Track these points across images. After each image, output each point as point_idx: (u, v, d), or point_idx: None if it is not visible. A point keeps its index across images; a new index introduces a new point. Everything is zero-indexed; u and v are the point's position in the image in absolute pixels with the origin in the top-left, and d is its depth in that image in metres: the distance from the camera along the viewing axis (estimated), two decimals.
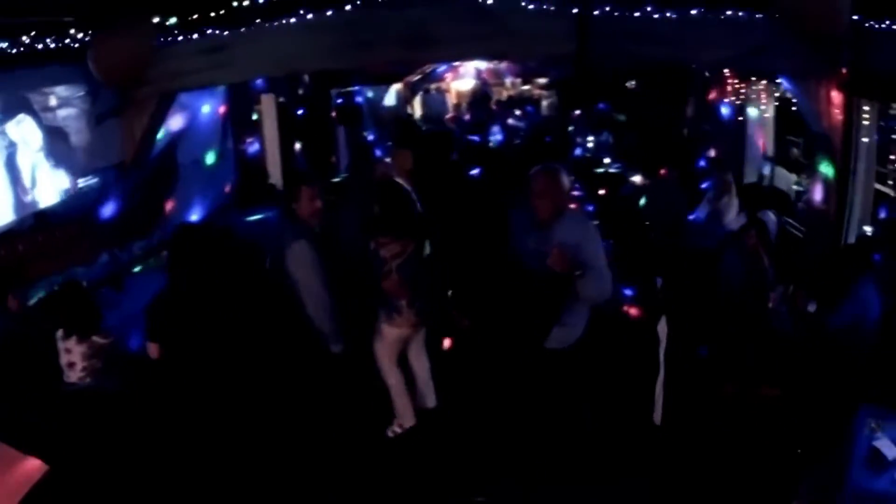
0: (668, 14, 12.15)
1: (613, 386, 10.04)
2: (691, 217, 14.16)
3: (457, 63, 25.17)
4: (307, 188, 9.02)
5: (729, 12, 12.11)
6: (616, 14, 12.18)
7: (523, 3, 12.22)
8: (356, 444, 9.41)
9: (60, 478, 6.71)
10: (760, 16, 12.06)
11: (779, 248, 12.45)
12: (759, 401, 9.42)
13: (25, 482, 6.44)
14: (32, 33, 10.69)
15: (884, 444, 6.90)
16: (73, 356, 8.98)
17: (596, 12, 11.94)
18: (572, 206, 8.40)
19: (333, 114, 21.38)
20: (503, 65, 26.00)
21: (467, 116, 25.82)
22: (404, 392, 9.44)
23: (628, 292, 11.97)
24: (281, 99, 18.58)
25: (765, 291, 10.41)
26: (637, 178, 16.52)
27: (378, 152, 17.97)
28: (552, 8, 12.17)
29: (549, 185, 7.90)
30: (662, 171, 15.09)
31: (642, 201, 15.67)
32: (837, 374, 8.85)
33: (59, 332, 9.07)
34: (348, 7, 12.47)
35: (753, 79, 16.57)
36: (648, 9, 12.15)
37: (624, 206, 15.60)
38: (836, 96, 12.63)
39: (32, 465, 6.60)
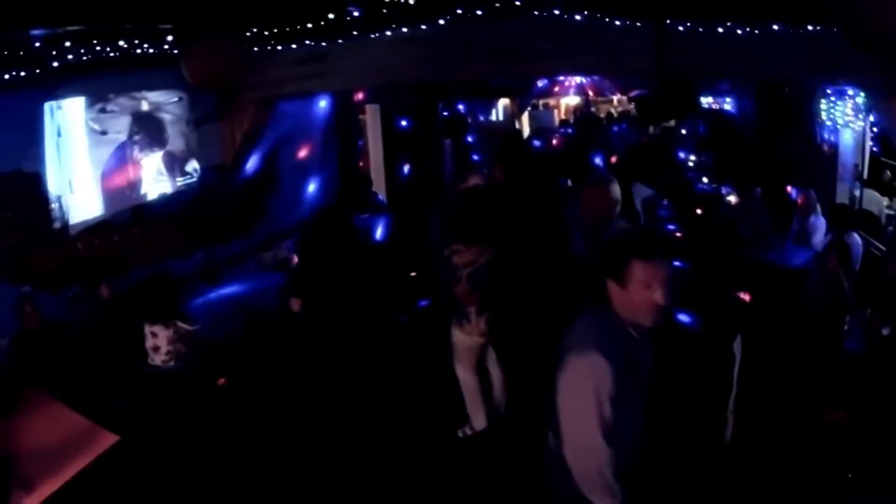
0: (747, 29, 12.13)
1: (687, 402, 9.93)
2: (778, 236, 14.02)
3: (562, 78, 25.25)
4: None
5: (809, 27, 11.97)
6: (698, 29, 12.20)
7: (608, 19, 12.28)
8: (427, 437, 9.67)
9: (131, 451, 7.06)
10: (837, 31, 11.86)
11: (863, 271, 12.36)
12: (825, 423, 9.31)
13: (95, 449, 6.76)
14: (132, 40, 11.09)
15: None
16: (158, 340, 9.65)
17: (678, 27, 11.96)
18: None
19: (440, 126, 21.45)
20: (607, 81, 25.91)
21: (569, 131, 25.78)
22: (477, 397, 9.47)
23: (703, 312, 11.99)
24: (385, 109, 18.77)
25: (842, 313, 10.31)
26: (733, 199, 16.41)
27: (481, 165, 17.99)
28: (637, 24, 12.23)
29: (597, 194, 8.03)
30: (751, 190, 14.99)
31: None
32: None
33: (146, 319, 9.44)
34: (441, 21, 12.66)
35: (845, 98, 16.38)
36: (728, 24, 12.13)
37: (717, 225, 15.45)
38: None
39: (106, 436, 6.90)
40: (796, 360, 9.83)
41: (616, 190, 8.06)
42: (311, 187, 16.48)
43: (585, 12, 12.63)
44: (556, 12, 12.74)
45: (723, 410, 9.26)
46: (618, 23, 12.51)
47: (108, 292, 10.66)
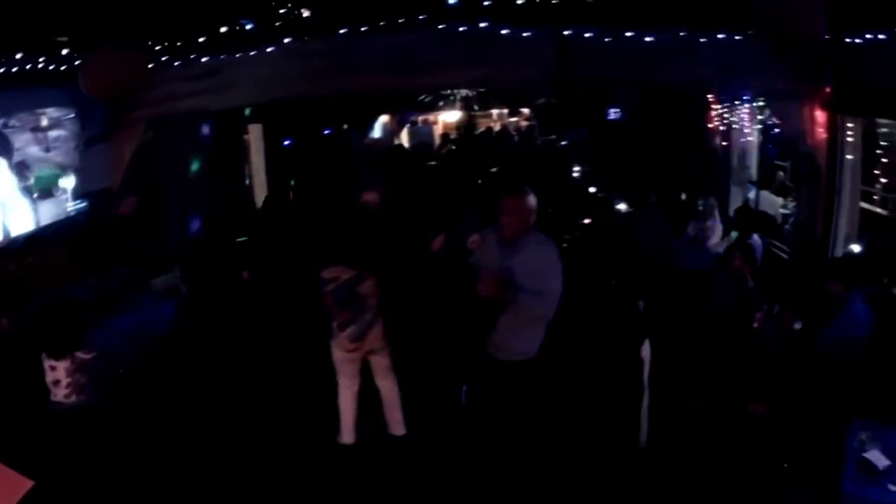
0: (644, 37, 12.07)
1: (597, 409, 9.90)
2: (675, 240, 14.04)
3: (444, 93, 25.13)
4: None
5: (714, 35, 11.99)
6: (601, 37, 12.09)
7: (504, 31, 12.10)
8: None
9: (46, 494, 6.60)
10: (740, 37, 12.05)
11: (765, 270, 12.41)
12: (747, 418, 9.38)
13: (11, 496, 6.32)
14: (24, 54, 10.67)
15: (874, 456, 7.12)
16: (57, 373, 8.94)
17: (573, 35, 11.85)
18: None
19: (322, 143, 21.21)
20: (489, 95, 25.91)
21: (453, 147, 25.73)
22: (348, 410, 9.63)
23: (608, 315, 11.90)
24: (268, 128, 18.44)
25: (750, 312, 10.32)
26: (622, 206, 16.42)
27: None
28: (532, 34, 12.07)
29: (516, 206, 7.97)
30: (646, 197, 15.01)
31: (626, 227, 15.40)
32: (827, 389, 8.91)
33: (44, 352, 8.96)
34: (333, 34, 12.36)
35: (737, 103, 16.51)
36: (626, 32, 12.05)
37: (609, 232, 15.45)
38: (820, 115, 12.71)
39: (18, 481, 6.45)
40: (710, 358, 9.92)
41: (532, 200, 8.02)
42: (197, 210, 15.92)
43: (482, 23, 12.29)
44: (453, 23, 12.44)
45: (636, 415, 9.51)
46: (514, 32, 12.25)
47: (5, 325, 10.04)
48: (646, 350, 9.55)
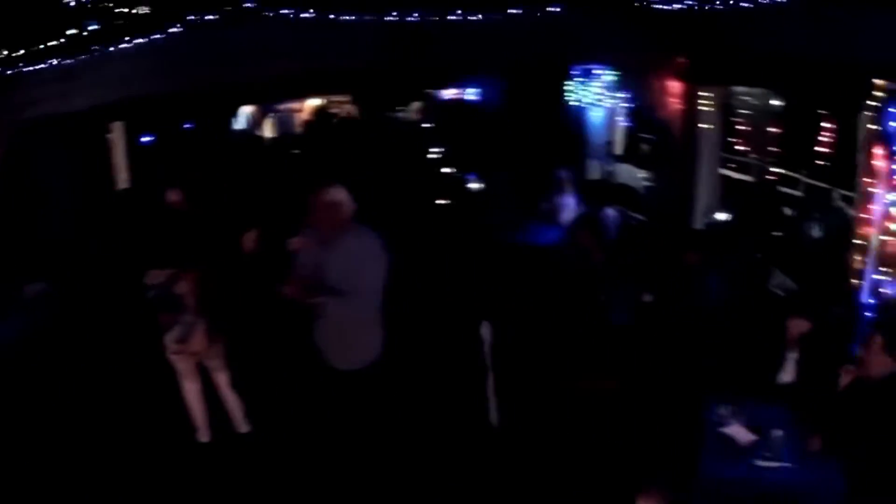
0: (479, 17, 11.65)
1: (446, 392, 9.92)
2: (528, 218, 13.70)
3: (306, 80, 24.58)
4: None
5: (551, 9, 11.59)
6: (429, 20, 11.66)
7: (334, 17, 11.62)
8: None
9: None
10: (583, 11, 11.64)
11: (622, 242, 12.23)
12: (596, 394, 9.06)
13: None
14: None
15: (735, 431, 6.99)
16: None
17: (408, 19, 11.43)
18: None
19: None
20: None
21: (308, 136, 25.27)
22: (196, 410, 9.18)
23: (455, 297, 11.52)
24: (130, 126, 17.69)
25: (597, 285, 9.99)
26: (476, 185, 16.05)
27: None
28: (360, 19, 11.61)
29: (321, 203, 7.48)
30: (497, 175, 14.70)
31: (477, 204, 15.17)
32: (680, 363, 8.88)
33: None
34: (176, 29, 11.81)
35: (594, 77, 16.23)
36: (460, 12, 11.62)
37: (462, 212, 15.15)
38: (675, 86, 12.53)
39: None
40: (557, 335, 9.41)
41: (339, 195, 7.50)
42: (64, 213, 15.17)
43: (312, 11, 11.80)
44: (287, 12, 11.94)
45: (482, 395, 9.35)
46: (347, 18, 11.76)
47: None
48: (485, 330, 9.31)
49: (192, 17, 12.03)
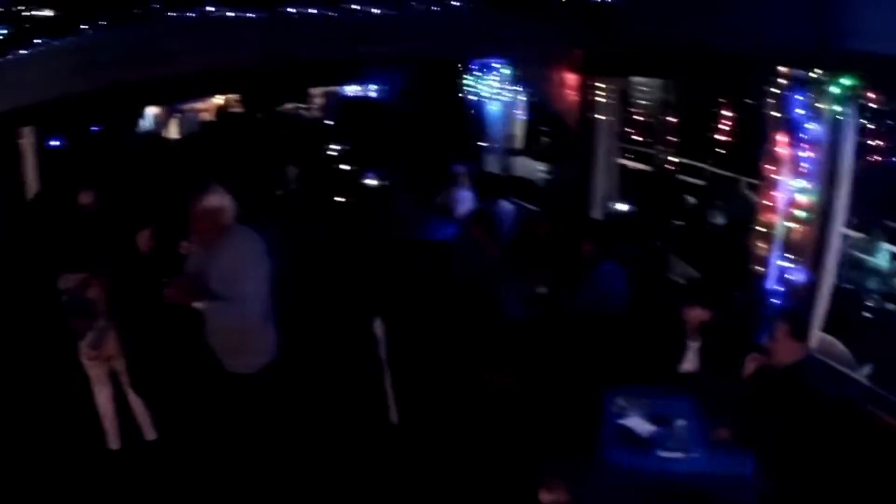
0: (378, 11, 11.51)
1: (344, 392, 9.60)
2: (424, 212, 13.58)
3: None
4: None
5: (450, 3, 11.52)
6: (325, 14, 11.49)
7: (230, 14, 11.42)
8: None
9: None
10: (480, 6, 11.56)
11: (520, 235, 12.09)
12: (492, 388, 9.09)
13: None
14: None
15: (635, 423, 6.79)
16: None
17: (296, 14, 11.26)
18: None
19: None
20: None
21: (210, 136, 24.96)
22: (107, 414, 8.81)
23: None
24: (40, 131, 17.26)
25: (492, 279, 9.92)
26: (373, 182, 15.89)
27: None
28: (246, 15, 11.42)
29: (203, 210, 7.11)
30: (393, 172, 14.56)
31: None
32: (577, 355, 8.75)
33: None
34: (81, 30, 11.58)
35: (491, 71, 16.16)
36: (354, 7, 11.49)
37: (358, 209, 15.00)
38: (572, 77, 12.37)
39: None
40: (451, 331, 9.46)
41: (215, 200, 7.14)
42: None
43: (210, 8, 11.62)
44: (184, 11, 11.74)
45: (381, 394, 9.13)
46: (234, 16, 11.55)
47: None
48: (378, 327, 9.11)
49: (99, 20, 11.85)
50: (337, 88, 24.17)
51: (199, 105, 28.10)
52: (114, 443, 8.86)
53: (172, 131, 26.85)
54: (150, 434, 9.05)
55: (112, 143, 20.78)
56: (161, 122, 26.40)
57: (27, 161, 16.73)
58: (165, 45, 11.82)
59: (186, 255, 7.70)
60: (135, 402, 8.97)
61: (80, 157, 17.78)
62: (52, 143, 17.68)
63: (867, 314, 9.80)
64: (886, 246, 10.56)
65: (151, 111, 25.60)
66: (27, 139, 16.57)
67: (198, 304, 7.10)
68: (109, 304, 8.44)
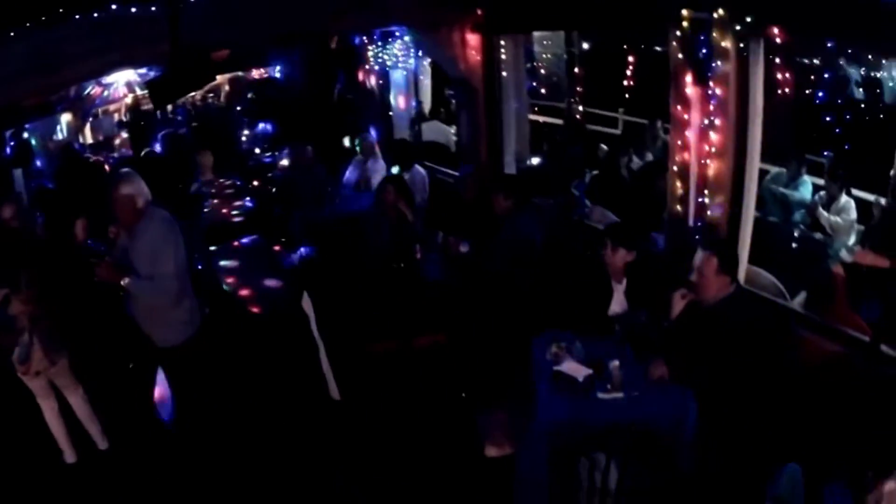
0: None
1: (281, 367, 9.73)
2: (336, 186, 13.52)
3: (110, 81, 23.81)
4: None
5: None
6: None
7: (133, 10, 11.15)
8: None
9: None
10: None
11: (435, 198, 12.36)
12: (424, 351, 9.18)
13: None
14: None
15: (570, 367, 6.74)
16: None
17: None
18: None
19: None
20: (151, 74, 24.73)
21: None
22: (57, 428, 8.68)
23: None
24: None
25: (410, 244, 9.91)
26: (286, 162, 15.74)
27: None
28: (147, 9, 11.19)
29: (119, 197, 7.59)
30: (302, 149, 14.39)
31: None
32: (504, 307, 8.88)
33: None
34: None
35: (390, 41, 16.03)
36: None
37: (273, 190, 14.93)
38: (473, 38, 12.24)
39: None
40: (375, 299, 9.45)
41: (127, 188, 7.60)
42: None
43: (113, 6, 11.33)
44: (89, 11, 11.43)
45: (317, 370, 9.16)
46: (133, 10, 11.29)
47: None
48: (307, 303, 9.13)
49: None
50: (241, 74, 23.94)
51: (112, 107, 27.67)
52: (70, 456, 8.69)
53: (87, 136, 26.40)
54: (101, 444, 8.85)
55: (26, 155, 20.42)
56: (75, 128, 25.94)
57: None
58: (70, 48, 11.57)
59: (113, 238, 8.06)
60: (82, 412, 8.76)
61: None
62: None
63: (794, 245, 9.94)
64: (808, 178, 10.70)
65: (64, 118, 25.14)
66: None
67: (124, 282, 7.43)
68: (33, 319, 8.23)
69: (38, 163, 19.70)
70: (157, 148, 19.00)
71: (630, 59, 11.38)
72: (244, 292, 10.72)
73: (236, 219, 13.85)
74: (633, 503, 6.49)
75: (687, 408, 6.33)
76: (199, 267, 7.98)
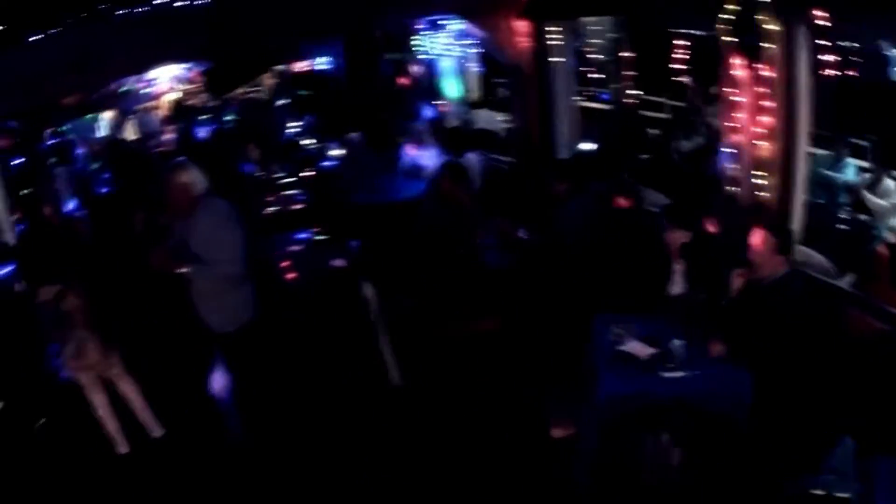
0: None
1: (344, 357, 9.78)
2: (387, 176, 13.73)
3: (152, 77, 24.10)
4: None
5: None
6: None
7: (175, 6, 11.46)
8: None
9: None
10: None
11: (489, 185, 12.36)
12: (485, 335, 9.38)
13: None
14: None
15: (633, 347, 7.00)
16: None
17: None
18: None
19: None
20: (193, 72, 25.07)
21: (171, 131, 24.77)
22: (108, 419, 8.87)
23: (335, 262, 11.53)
24: None
25: (468, 230, 10.11)
26: (336, 151, 15.96)
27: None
28: (187, 2, 11.44)
29: (176, 185, 7.79)
30: (350, 138, 14.63)
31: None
32: (564, 291, 9.02)
33: None
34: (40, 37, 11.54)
35: (436, 30, 16.22)
36: None
37: (325, 179, 15.12)
38: (521, 24, 12.39)
39: None
40: (436, 286, 9.72)
41: (184, 176, 7.79)
42: None
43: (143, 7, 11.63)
44: (131, 11, 11.71)
45: (378, 356, 9.36)
46: (176, 5, 11.57)
47: None
48: (368, 290, 9.42)
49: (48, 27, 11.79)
50: (284, 67, 24.19)
51: (152, 103, 27.90)
52: (122, 446, 8.88)
53: (130, 133, 26.63)
54: (156, 431, 9.08)
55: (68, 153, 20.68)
56: (117, 125, 26.19)
57: None
58: (112, 44, 11.82)
59: (169, 228, 8.11)
60: (135, 402, 9.02)
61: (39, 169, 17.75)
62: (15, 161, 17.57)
63: (840, 226, 10.20)
64: (852, 161, 10.91)
65: (106, 115, 25.38)
66: None
67: (181, 269, 7.61)
68: (87, 313, 8.52)
69: (80, 162, 19.91)
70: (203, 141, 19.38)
71: (675, 42, 11.51)
72: (301, 280, 10.99)
73: (289, 208, 13.97)
74: (693, 479, 6.67)
75: (744, 384, 6.50)
76: (257, 254, 8.16)
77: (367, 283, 9.48)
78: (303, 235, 11.48)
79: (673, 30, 12.39)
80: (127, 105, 24.42)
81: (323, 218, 12.80)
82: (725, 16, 8.28)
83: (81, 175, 17.65)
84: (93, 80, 13.08)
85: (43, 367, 8.95)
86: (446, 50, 16.14)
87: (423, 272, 9.97)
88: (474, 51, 16.36)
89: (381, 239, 11.11)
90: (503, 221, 10.38)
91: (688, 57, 12.13)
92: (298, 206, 13.36)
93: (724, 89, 8.57)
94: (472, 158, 12.63)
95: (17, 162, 17.02)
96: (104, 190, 15.18)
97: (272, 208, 13.41)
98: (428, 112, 16.09)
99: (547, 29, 12.41)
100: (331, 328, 10.23)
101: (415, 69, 17.79)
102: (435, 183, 10.61)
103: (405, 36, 17.49)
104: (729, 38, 8.31)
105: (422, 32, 16.83)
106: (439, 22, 15.55)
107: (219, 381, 8.35)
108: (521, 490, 7.41)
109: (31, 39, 11.75)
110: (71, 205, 10.60)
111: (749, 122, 8.30)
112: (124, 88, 23.06)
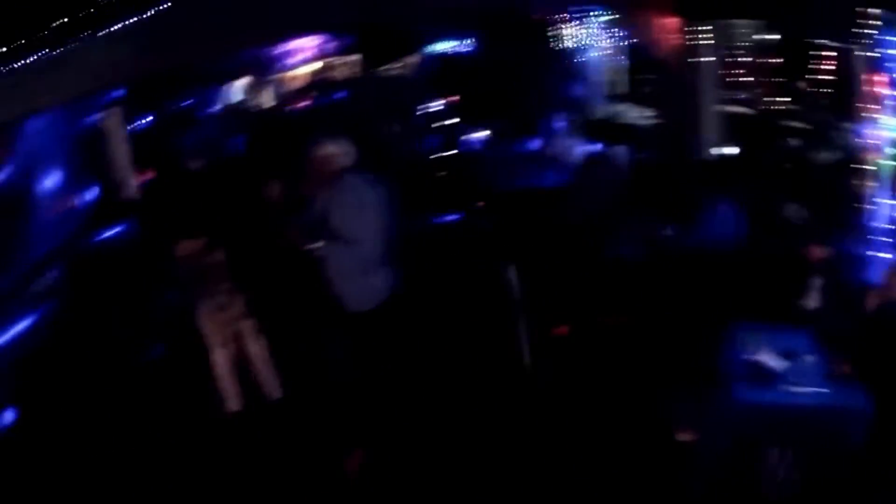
0: None
1: (477, 336, 9.87)
2: (532, 164, 13.86)
3: (293, 47, 24.44)
4: None
5: None
6: None
7: None
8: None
9: None
10: None
11: (632, 179, 12.11)
12: (610, 330, 9.48)
13: None
14: None
15: (766, 357, 6.93)
16: None
17: None
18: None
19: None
20: (334, 43, 25.30)
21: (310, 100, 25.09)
22: (226, 375, 9.03)
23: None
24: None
25: (612, 222, 10.25)
26: (481, 134, 16.09)
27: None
28: None
29: (319, 158, 7.80)
30: (497, 126, 14.76)
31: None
32: (700, 294, 9.00)
33: None
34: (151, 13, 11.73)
35: (584, 21, 16.23)
36: None
37: (467, 162, 15.23)
38: (671, 21, 12.38)
39: None
40: (573, 275, 9.91)
41: (334, 148, 7.80)
42: (69, 208, 15.05)
43: None
44: None
45: (515, 338, 9.35)
46: None
47: None
48: (512, 273, 9.48)
49: None
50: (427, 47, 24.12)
51: (288, 74, 28.28)
52: (234, 405, 9.02)
53: (266, 100, 27.03)
54: (275, 393, 9.22)
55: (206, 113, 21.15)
56: (253, 92, 26.61)
57: (114, 141, 17.07)
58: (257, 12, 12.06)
59: (307, 200, 8.04)
60: (260, 362, 9.16)
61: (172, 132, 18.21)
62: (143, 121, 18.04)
63: None
64: None
65: (241, 81, 25.79)
66: (112, 121, 16.93)
67: (317, 246, 7.68)
68: (232, 267, 8.74)
69: (213, 124, 20.27)
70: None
71: (821, 53, 11.37)
72: (443, 263, 11.27)
73: (434, 191, 14.31)
74: (814, 496, 6.74)
75: (868, 406, 6.48)
76: (400, 235, 8.18)
77: (510, 266, 9.52)
78: (450, 217, 11.64)
79: (818, 41, 12.24)
80: (263, 72, 24.88)
81: (468, 200, 12.95)
82: (868, 31, 8.22)
83: (214, 138, 18.11)
84: (238, 41, 13.40)
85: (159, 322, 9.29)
86: (595, 41, 16.14)
87: (566, 261, 10.07)
88: (622, 44, 16.35)
89: (526, 226, 11.24)
90: (648, 217, 10.39)
91: (832, 68, 11.97)
92: (445, 188, 13.49)
93: (866, 104, 8.49)
94: (617, 151, 12.62)
95: (146, 121, 17.56)
96: (236, 154, 15.45)
97: (419, 187, 13.55)
98: (572, 103, 16.11)
99: (696, 28, 12.37)
100: (470, 311, 10.34)
101: (562, 59, 17.78)
102: (586, 172, 10.68)
103: (554, 24, 17.49)
104: (870, 54, 8.25)
105: (571, 21, 16.84)
106: (589, 12, 15.58)
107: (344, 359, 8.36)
108: (635, 489, 7.44)
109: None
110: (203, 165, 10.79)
111: (888, 141, 8.23)
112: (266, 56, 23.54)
